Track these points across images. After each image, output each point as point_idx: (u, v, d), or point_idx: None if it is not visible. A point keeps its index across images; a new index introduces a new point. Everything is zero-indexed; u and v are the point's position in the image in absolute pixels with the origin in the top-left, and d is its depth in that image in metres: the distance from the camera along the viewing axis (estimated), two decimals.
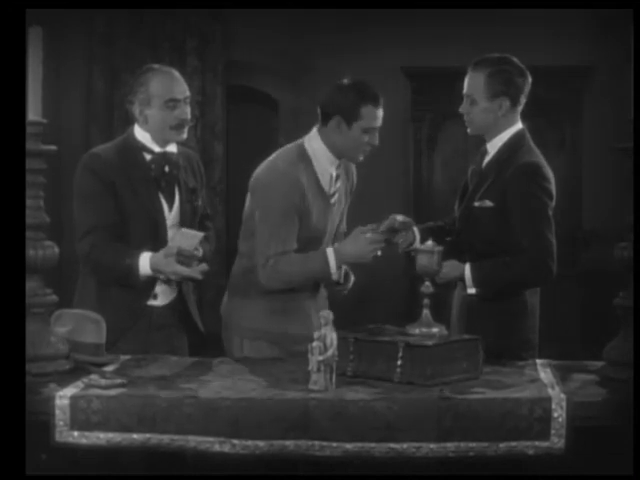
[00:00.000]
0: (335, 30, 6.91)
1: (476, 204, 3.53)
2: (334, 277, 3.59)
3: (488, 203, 3.50)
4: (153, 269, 3.56)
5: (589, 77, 6.83)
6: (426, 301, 3.20)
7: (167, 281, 3.67)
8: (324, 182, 3.65)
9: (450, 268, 3.43)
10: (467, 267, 3.46)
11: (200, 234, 3.63)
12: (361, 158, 3.66)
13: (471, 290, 3.47)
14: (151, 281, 3.65)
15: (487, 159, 3.59)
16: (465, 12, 6.61)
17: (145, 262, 3.56)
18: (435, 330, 3.16)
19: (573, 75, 6.85)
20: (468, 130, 3.63)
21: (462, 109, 3.59)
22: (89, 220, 3.63)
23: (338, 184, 3.70)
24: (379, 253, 3.53)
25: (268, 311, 3.65)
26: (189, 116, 3.68)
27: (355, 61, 6.82)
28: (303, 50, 6.88)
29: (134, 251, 3.58)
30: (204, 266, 3.61)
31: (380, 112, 3.59)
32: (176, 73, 3.72)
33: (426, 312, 3.19)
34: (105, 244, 3.60)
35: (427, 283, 3.21)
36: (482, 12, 6.56)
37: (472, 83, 3.55)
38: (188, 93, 3.70)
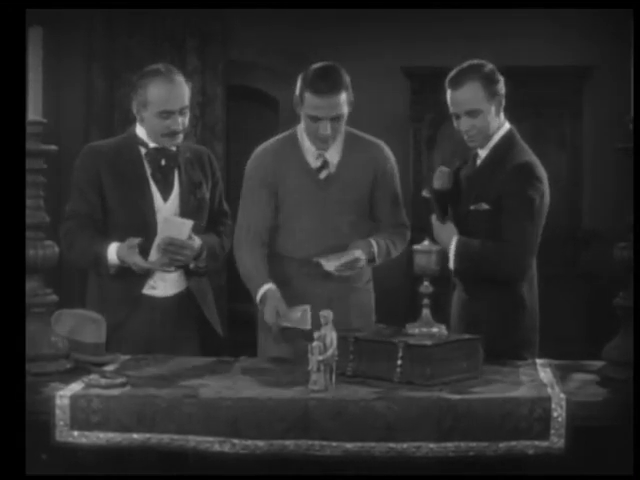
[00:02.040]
0: (335, 30, 6.91)
1: (472, 207, 3.51)
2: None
3: (484, 206, 3.48)
4: (119, 259, 3.60)
5: (589, 77, 6.83)
6: (426, 301, 3.20)
7: (165, 271, 3.68)
8: (309, 157, 3.68)
9: (449, 233, 3.46)
10: (454, 240, 3.45)
11: (189, 222, 3.62)
12: (323, 147, 3.64)
13: (451, 264, 3.45)
14: (145, 270, 3.66)
15: (479, 162, 3.58)
16: (465, 12, 6.60)
17: (112, 251, 3.61)
18: (435, 330, 3.16)
19: (573, 75, 6.85)
20: (473, 144, 3.54)
21: (463, 126, 3.49)
22: (71, 207, 3.73)
23: (321, 159, 3.68)
24: (273, 330, 3.54)
25: None
26: (181, 127, 3.69)
27: (355, 61, 6.77)
28: (303, 50, 6.86)
29: (105, 240, 3.63)
30: (164, 260, 3.60)
31: (322, 102, 3.52)
32: (178, 79, 3.68)
33: (426, 312, 3.19)
34: (80, 231, 3.67)
35: (426, 283, 3.21)
36: (482, 12, 6.56)
37: (469, 97, 3.45)
38: (186, 103, 3.69)
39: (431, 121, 6.88)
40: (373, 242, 3.68)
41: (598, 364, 3.14)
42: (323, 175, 3.69)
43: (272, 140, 3.79)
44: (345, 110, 3.59)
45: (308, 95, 3.54)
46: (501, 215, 3.43)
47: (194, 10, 6.73)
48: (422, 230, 3.58)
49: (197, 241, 3.65)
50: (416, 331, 3.15)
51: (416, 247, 3.26)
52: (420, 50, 6.82)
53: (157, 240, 3.58)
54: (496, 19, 6.73)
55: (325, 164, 3.69)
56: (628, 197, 2.95)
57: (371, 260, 3.69)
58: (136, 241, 3.56)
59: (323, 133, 3.58)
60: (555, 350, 3.52)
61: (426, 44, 6.83)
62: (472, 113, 3.48)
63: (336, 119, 3.57)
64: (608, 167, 6.50)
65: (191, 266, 3.71)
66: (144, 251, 3.59)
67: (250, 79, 7.18)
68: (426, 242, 3.25)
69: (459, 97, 3.49)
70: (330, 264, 3.58)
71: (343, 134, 3.70)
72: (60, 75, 6.71)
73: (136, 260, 3.57)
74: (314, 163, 3.69)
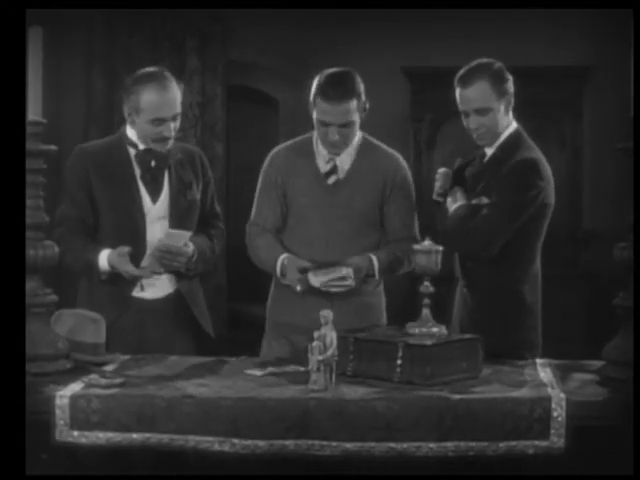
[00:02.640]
0: (335, 30, 6.91)
1: (473, 201, 3.52)
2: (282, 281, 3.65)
3: (484, 200, 3.49)
4: (110, 266, 3.62)
5: (589, 77, 6.83)
6: (426, 301, 3.20)
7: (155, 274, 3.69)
8: (320, 161, 3.68)
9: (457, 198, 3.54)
10: (456, 204, 3.55)
11: (188, 233, 3.64)
12: (335, 151, 3.63)
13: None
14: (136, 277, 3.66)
15: (485, 160, 3.59)
16: (465, 12, 6.61)
17: (104, 258, 3.63)
18: (435, 330, 3.16)
19: (573, 75, 6.85)
20: (482, 142, 3.55)
21: (472, 124, 3.51)
22: (62, 210, 3.75)
23: (331, 164, 3.67)
24: (298, 288, 3.55)
25: (275, 300, 3.69)
26: (173, 133, 3.67)
27: (355, 61, 6.76)
28: (303, 50, 6.88)
29: (97, 247, 3.66)
30: (155, 266, 3.63)
31: (331, 108, 3.52)
32: (171, 85, 3.64)
33: (426, 312, 3.19)
34: (72, 237, 3.68)
35: (426, 283, 3.21)
36: (482, 12, 6.56)
37: (478, 95, 3.47)
38: (178, 110, 3.67)
39: (431, 121, 6.89)
40: (373, 257, 3.64)
41: (598, 364, 3.14)
42: (331, 180, 3.68)
43: (288, 142, 3.81)
44: (355, 117, 3.57)
45: (319, 100, 3.54)
46: None
47: (194, 10, 6.74)
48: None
49: (191, 246, 3.66)
50: (416, 331, 3.15)
51: (416, 247, 3.25)
52: (420, 50, 6.83)
53: (119, 248, 3.59)
54: (496, 19, 6.73)
55: (334, 169, 3.67)
56: (628, 197, 2.95)
57: (370, 275, 3.65)
58: (126, 250, 3.58)
59: (331, 138, 3.58)
60: (555, 350, 3.52)
61: (426, 44, 6.83)
62: (481, 111, 3.49)
63: (345, 126, 3.56)
64: (608, 167, 6.51)
65: (181, 269, 3.71)
66: (134, 257, 3.61)
67: (250, 79, 7.19)
68: (426, 242, 3.25)
69: (468, 95, 3.50)
70: (317, 279, 3.54)
71: (359, 140, 3.69)
72: (60, 75, 6.72)
73: (127, 268, 3.59)
74: (324, 168, 3.68)
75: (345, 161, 3.68)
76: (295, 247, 3.69)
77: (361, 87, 3.58)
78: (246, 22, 6.88)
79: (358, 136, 3.69)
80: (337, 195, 3.67)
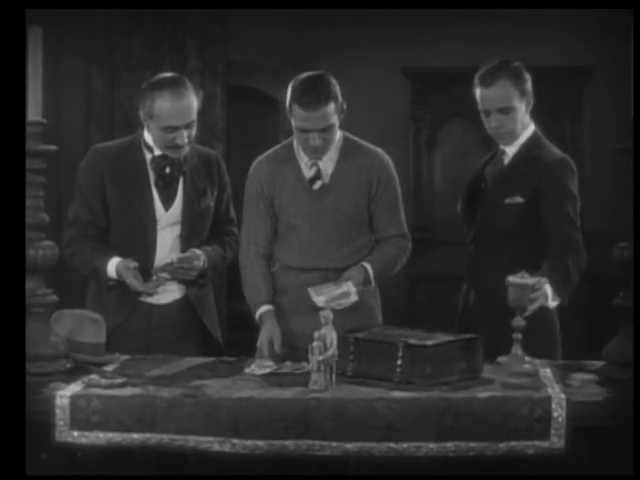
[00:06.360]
0: (335, 30, 6.91)
1: (507, 201, 3.53)
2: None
3: (519, 199, 3.52)
4: (117, 274, 3.63)
5: (589, 77, 6.83)
6: (518, 336, 3.15)
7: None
8: (303, 167, 3.64)
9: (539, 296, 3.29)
10: (546, 286, 3.31)
11: (200, 252, 3.67)
12: (316, 156, 3.59)
13: (554, 304, 3.38)
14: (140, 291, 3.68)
15: (507, 160, 3.61)
16: (465, 12, 6.60)
17: (112, 268, 3.64)
18: (527, 367, 3.12)
19: (573, 75, 6.84)
20: (501, 141, 3.60)
21: (494, 123, 3.54)
22: (73, 212, 3.75)
23: (315, 169, 3.64)
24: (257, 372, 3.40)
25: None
26: (186, 140, 3.64)
27: (355, 61, 6.81)
28: (303, 50, 6.87)
29: (106, 252, 3.66)
30: (160, 281, 3.66)
31: (310, 115, 3.47)
32: (186, 93, 3.61)
33: (516, 347, 3.15)
34: (82, 241, 3.70)
35: (518, 317, 3.14)
36: (482, 12, 6.56)
37: (502, 95, 3.51)
38: (193, 117, 3.64)
39: (431, 121, 6.87)
40: (367, 266, 3.59)
41: (598, 364, 3.14)
42: (317, 186, 3.63)
43: (270, 151, 3.75)
44: (334, 120, 3.53)
45: (295, 108, 3.50)
46: (536, 209, 3.50)
47: (194, 11, 6.73)
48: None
49: (202, 257, 3.68)
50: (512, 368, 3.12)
51: (511, 279, 3.18)
52: (420, 50, 6.82)
53: (125, 261, 3.61)
54: (496, 20, 6.73)
55: (318, 174, 3.63)
56: (628, 197, 2.95)
57: (367, 283, 3.60)
58: (132, 265, 3.59)
59: (312, 145, 3.53)
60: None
61: (426, 44, 6.82)
62: (504, 110, 3.54)
63: (325, 130, 3.51)
64: (608, 167, 6.50)
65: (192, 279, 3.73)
66: (143, 263, 3.63)
67: (250, 79, 7.18)
68: (522, 274, 3.18)
69: (491, 94, 3.53)
70: (320, 299, 3.46)
71: (340, 141, 3.64)
72: (60, 75, 6.71)
73: (132, 282, 3.60)
74: (308, 173, 3.64)
75: (328, 165, 3.63)
76: (286, 255, 3.66)
77: (337, 89, 3.53)
78: (246, 22, 6.87)
79: (338, 136, 3.63)
80: (324, 200, 3.62)
